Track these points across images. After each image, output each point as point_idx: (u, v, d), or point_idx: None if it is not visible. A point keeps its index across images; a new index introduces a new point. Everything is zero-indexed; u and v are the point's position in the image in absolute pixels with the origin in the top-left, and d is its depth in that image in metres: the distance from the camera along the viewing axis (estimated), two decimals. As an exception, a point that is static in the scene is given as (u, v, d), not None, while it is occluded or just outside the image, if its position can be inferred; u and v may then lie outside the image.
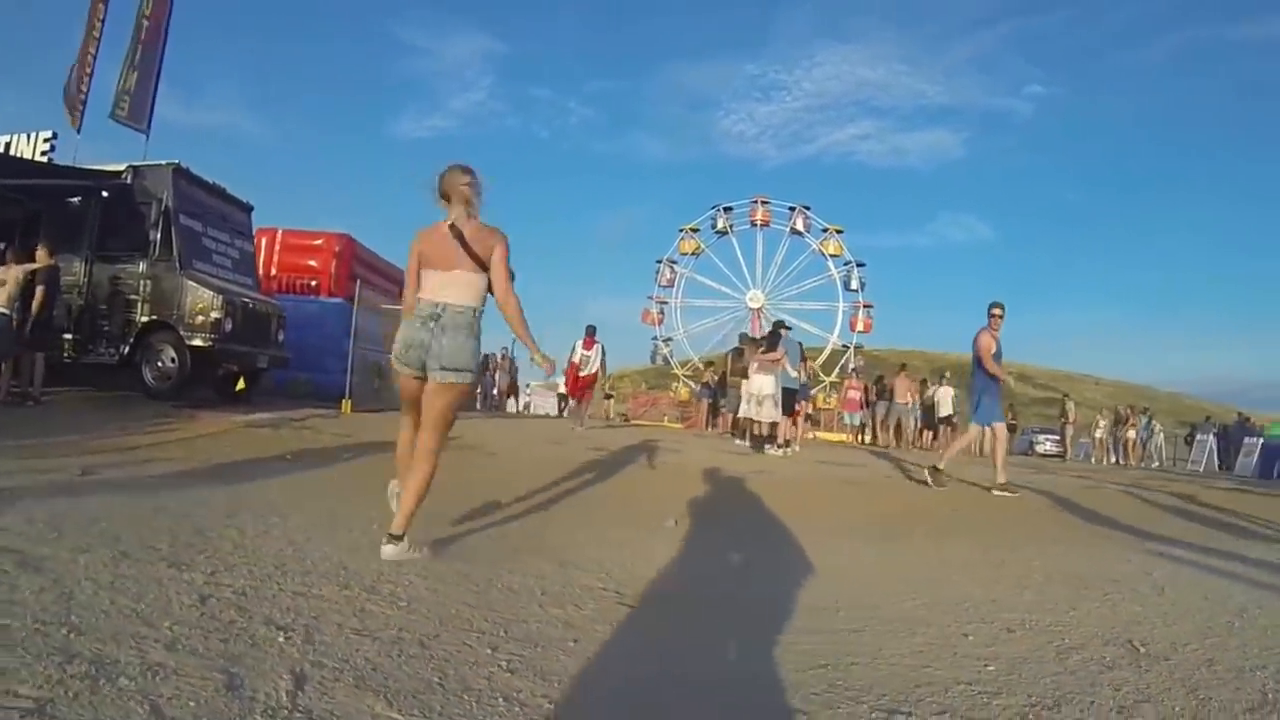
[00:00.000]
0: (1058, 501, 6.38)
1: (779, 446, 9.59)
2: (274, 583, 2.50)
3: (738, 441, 10.58)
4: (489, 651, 2.10)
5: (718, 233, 32.21)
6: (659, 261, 32.60)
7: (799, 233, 31.18)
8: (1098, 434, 19.78)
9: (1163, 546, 4.87)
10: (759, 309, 31.60)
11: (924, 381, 15.53)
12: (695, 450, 8.08)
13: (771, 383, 9.28)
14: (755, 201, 31.54)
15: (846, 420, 15.70)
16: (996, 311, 6.81)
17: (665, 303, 32.59)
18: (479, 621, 2.33)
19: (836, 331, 30.18)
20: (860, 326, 29.99)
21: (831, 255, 30.68)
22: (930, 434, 15.34)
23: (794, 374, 9.92)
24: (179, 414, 7.54)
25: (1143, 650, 2.49)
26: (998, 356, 6.68)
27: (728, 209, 31.93)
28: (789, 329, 10.33)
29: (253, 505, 3.90)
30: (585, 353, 11.71)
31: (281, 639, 1.98)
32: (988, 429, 6.75)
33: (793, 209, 31.28)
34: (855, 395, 15.57)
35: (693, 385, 28.09)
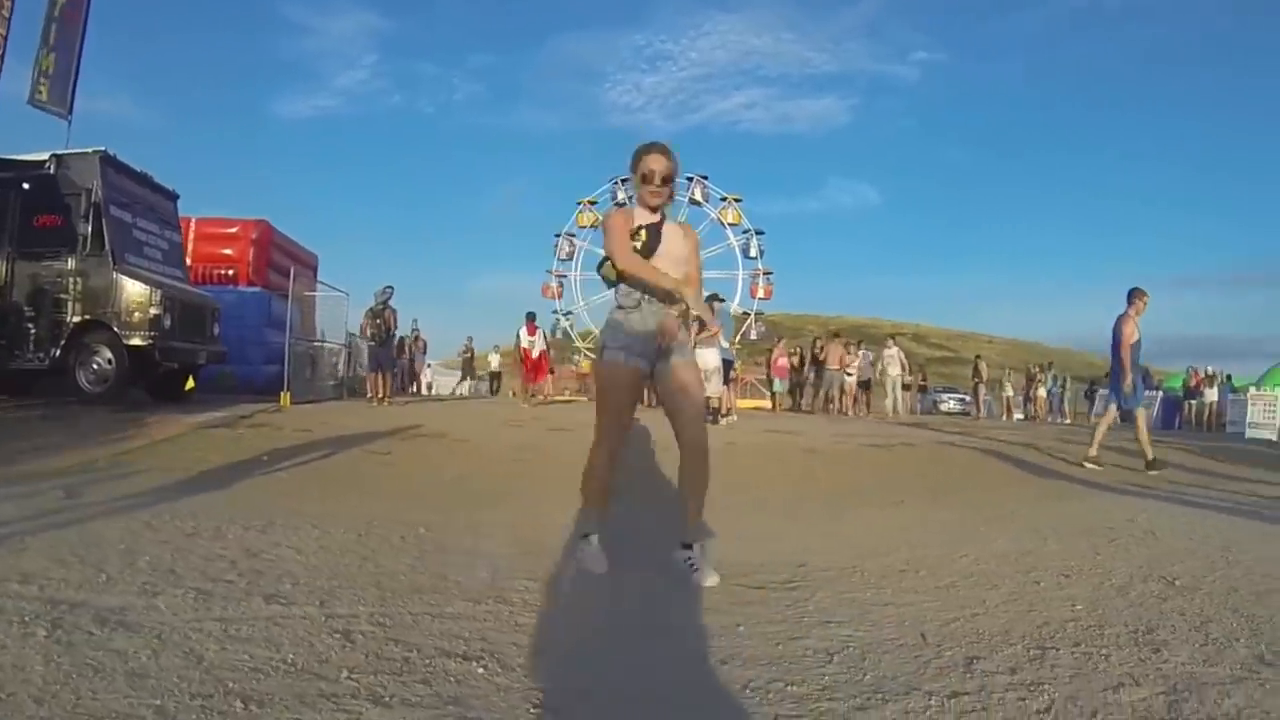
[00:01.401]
0: (1010, 460, 6.93)
1: (723, 417, 10.01)
2: (396, 606, 2.35)
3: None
4: (699, 651, 2.07)
5: (617, 204, 32.08)
6: (557, 236, 32.15)
7: (697, 202, 31.38)
8: (1008, 392, 21.06)
9: (1130, 495, 5.45)
10: (660, 279, 31.84)
11: (848, 347, 16.29)
12: (647, 424, 8.18)
13: (716, 355, 9.62)
14: (653, 173, 31.53)
15: (776, 387, 16.33)
16: (1144, 300, 6.75)
17: (564, 276, 32.21)
18: (641, 619, 2.30)
19: (737, 299, 30.67)
20: (761, 293, 30.60)
21: (730, 224, 31.10)
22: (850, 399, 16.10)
23: (725, 345, 10.36)
24: (126, 419, 6.90)
25: (1177, 584, 2.84)
26: (1139, 345, 6.76)
27: (625, 180, 31.71)
28: (722, 301, 10.70)
29: (276, 517, 3.65)
30: (530, 338, 12.46)
31: (479, 669, 1.85)
32: (1132, 413, 6.89)
33: (691, 179, 31.35)
34: (784, 362, 16.22)
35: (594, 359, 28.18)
